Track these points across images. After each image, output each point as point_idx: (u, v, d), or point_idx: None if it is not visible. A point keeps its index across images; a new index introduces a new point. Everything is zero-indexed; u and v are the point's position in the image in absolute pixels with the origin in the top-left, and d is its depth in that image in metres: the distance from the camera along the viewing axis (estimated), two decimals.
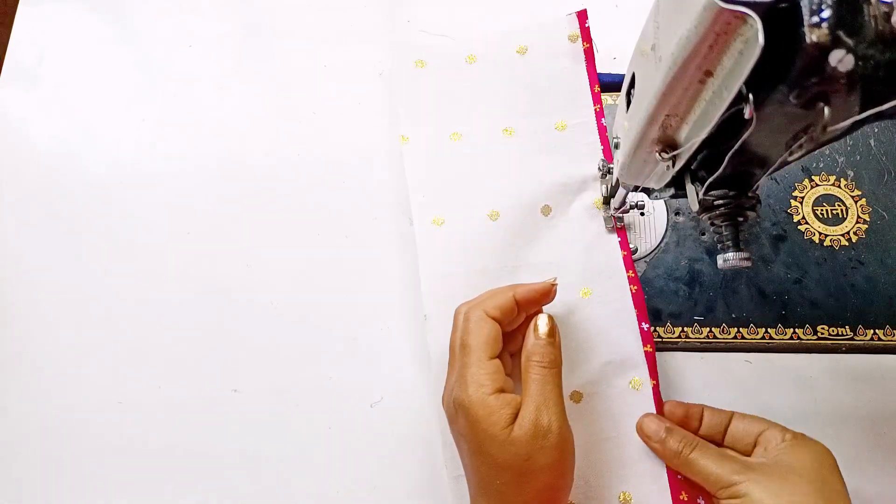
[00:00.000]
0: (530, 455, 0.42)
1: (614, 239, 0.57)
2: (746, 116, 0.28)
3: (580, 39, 0.61)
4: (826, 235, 0.58)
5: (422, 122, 0.62)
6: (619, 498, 0.50)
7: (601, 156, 0.59)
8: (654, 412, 0.51)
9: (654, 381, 0.52)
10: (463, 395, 0.43)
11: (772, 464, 0.43)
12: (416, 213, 0.59)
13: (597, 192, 0.59)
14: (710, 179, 0.35)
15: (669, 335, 0.56)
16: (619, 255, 0.57)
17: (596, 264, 0.56)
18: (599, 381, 0.52)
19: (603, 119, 0.60)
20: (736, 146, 0.31)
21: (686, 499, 0.48)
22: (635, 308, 0.54)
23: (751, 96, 0.28)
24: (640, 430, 0.50)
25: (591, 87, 0.61)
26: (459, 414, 0.43)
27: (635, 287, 0.55)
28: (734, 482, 0.43)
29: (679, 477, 0.49)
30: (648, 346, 0.53)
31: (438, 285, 0.56)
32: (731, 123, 0.30)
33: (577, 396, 0.52)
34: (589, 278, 0.56)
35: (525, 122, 0.61)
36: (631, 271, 0.56)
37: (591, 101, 0.61)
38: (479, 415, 0.42)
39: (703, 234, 0.58)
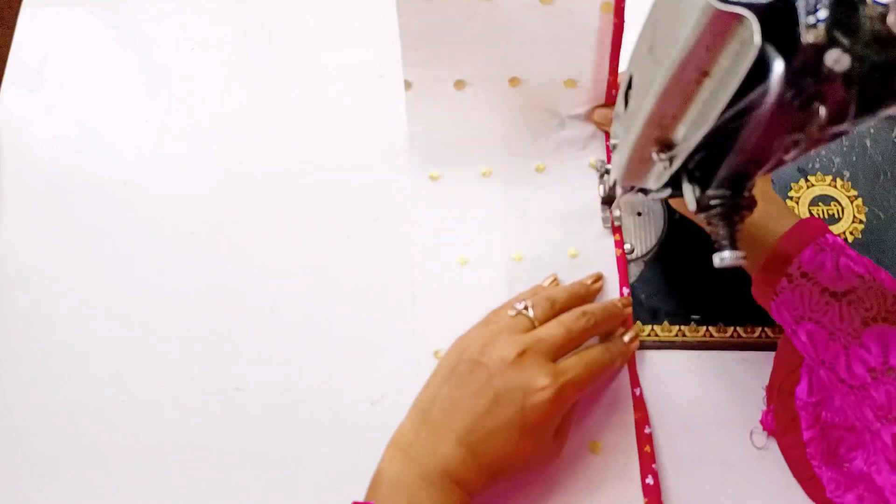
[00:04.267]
0: (548, 454, 0.48)
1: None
2: (774, 91, 0.27)
3: (612, 14, 0.56)
4: None
5: (426, 66, 0.58)
6: (590, 446, 0.52)
7: (601, 155, 0.59)
8: (629, 377, 0.54)
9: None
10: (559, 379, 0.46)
11: None
12: (413, 165, 0.60)
13: (595, 152, 0.59)
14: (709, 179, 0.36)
15: (667, 334, 0.56)
16: (613, 256, 0.57)
17: (586, 232, 0.58)
18: None
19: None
20: (735, 148, 0.31)
21: (649, 451, 0.52)
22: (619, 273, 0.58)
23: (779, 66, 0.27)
24: (593, 119, 0.56)
25: (610, 61, 0.57)
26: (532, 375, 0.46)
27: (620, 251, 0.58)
28: None
29: (646, 431, 0.52)
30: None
31: (430, 237, 0.59)
32: (730, 123, 0.31)
33: None
34: (578, 244, 0.58)
35: (535, 73, 0.59)
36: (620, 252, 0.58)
37: (608, 72, 0.58)
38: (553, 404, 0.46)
39: (701, 233, 0.59)
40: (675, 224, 0.59)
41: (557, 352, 0.48)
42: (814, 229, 0.47)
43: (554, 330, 0.49)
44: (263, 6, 0.70)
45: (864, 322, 0.45)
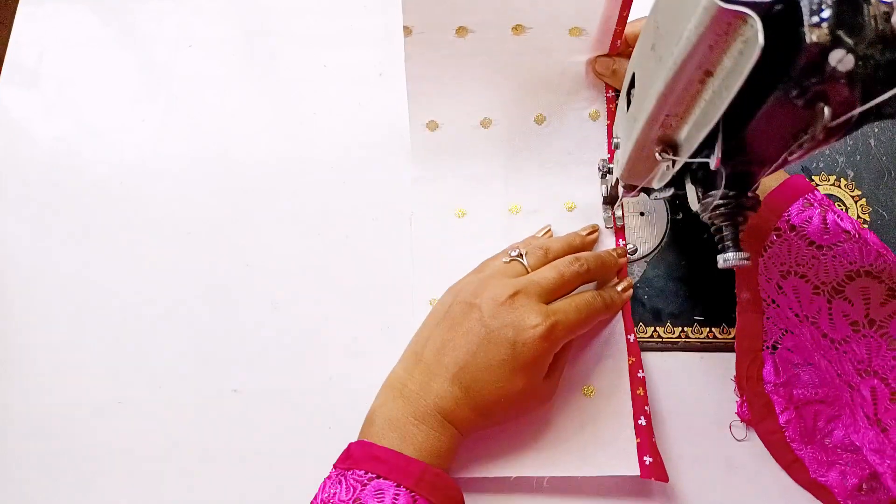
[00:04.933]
0: (540, 395, 0.49)
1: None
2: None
3: None
4: None
5: (427, 11, 0.55)
6: (583, 391, 0.54)
7: (601, 107, 0.60)
8: (624, 323, 0.55)
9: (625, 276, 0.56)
10: (549, 316, 0.47)
11: None
12: (411, 113, 0.60)
13: (595, 104, 0.59)
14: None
15: (669, 335, 0.56)
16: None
17: (585, 181, 0.58)
18: None
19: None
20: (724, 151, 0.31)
21: (642, 394, 0.53)
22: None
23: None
24: (594, 68, 0.57)
25: (620, 11, 0.54)
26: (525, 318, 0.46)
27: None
28: None
29: (640, 375, 0.53)
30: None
31: (428, 188, 0.60)
32: (733, 122, 0.30)
33: None
34: (576, 196, 0.59)
35: (540, 21, 0.56)
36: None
37: (616, 23, 0.55)
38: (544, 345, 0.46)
39: (704, 234, 0.58)
40: (678, 224, 0.59)
41: (550, 294, 0.49)
42: (802, 185, 0.48)
43: (546, 273, 0.50)
44: (263, 5, 0.70)
45: (848, 276, 0.46)
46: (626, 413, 0.52)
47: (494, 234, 0.58)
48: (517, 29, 0.56)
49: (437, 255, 0.58)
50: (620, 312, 0.55)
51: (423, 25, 0.56)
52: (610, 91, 0.59)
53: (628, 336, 0.55)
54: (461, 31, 0.56)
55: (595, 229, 0.57)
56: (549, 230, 0.58)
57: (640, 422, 0.52)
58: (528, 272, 0.51)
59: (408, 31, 0.56)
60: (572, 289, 0.51)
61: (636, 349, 0.54)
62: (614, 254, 0.55)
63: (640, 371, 0.54)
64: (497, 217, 0.59)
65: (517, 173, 0.59)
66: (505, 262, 0.51)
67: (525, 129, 0.60)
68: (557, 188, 0.59)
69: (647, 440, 0.51)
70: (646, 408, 0.52)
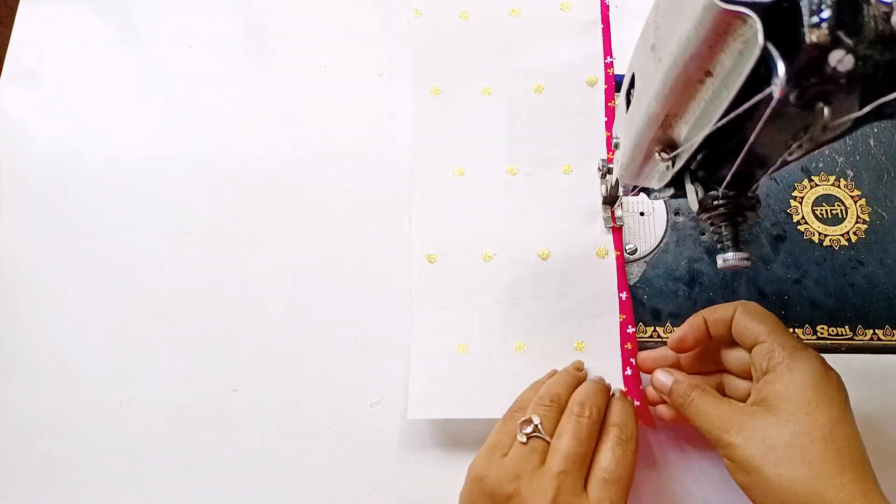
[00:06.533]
0: None
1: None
2: (777, 97, 0.26)
3: None
4: (826, 235, 0.58)
5: None
6: (575, 345, 0.55)
7: (598, 73, 0.63)
8: (617, 281, 0.56)
9: (619, 252, 0.57)
10: None
11: (760, 403, 0.43)
12: (414, 79, 0.64)
13: (592, 70, 0.63)
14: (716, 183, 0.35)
15: (669, 335, 0.56)
16: (612, 257, 0.57)
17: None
18: (566, 241, 0.58)
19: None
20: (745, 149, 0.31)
21: (630, 348, 0.55)
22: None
23: (781, 69, 0.26)
24: (653, 382, 0.51)
25: None
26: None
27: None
28: (724, 434, 0.43)
29: (629, 331, 0.55)
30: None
31: (428, 147, 0.62)
32: (732, 123, 0.30)
33: (544, 254, 0.58)
34: (574, 162, 0.61)
35: (533, 5, 0.66)
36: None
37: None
38: None
39: (703, 234, 0.58)
40: (678, 224, 0.59)
41: (585, 460, 0.45)
42: None
43: (568, 446, 0.45)
44: (262, 4, 0.70)
45: None
46: (616, 367, 0.54)
47: (492, 193, 0.61)
48: (514, 12, 0.65)
49: (435, 211, 0.60)
50: (615, 271, 0.57)
51: (430, 9, 0.66)
52: (608, 57, 0.62)
53: (620, 294, 0.56)
54: (464, 14, 0.66)
55: (581, 367, 0.54)
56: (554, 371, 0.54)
57: (626, 372, 0.54)
58: (547, 441, 0.46)
59: (417, 12, 0.66)
60: (595, 437, 0.46)
61: (628, 307, 0.56)
62: (600, 378, 0.52)
63: (630, 327, 0.55)
64: (495, 177, 0.61)
65: (516, 137, 0.62)
66: (522, 444, 0.46)
67: (525, 98, 0.63)
68: (556, 152, 0.61)
69: (634, 388, 0.53)
70: (631, 360, 0.54)
